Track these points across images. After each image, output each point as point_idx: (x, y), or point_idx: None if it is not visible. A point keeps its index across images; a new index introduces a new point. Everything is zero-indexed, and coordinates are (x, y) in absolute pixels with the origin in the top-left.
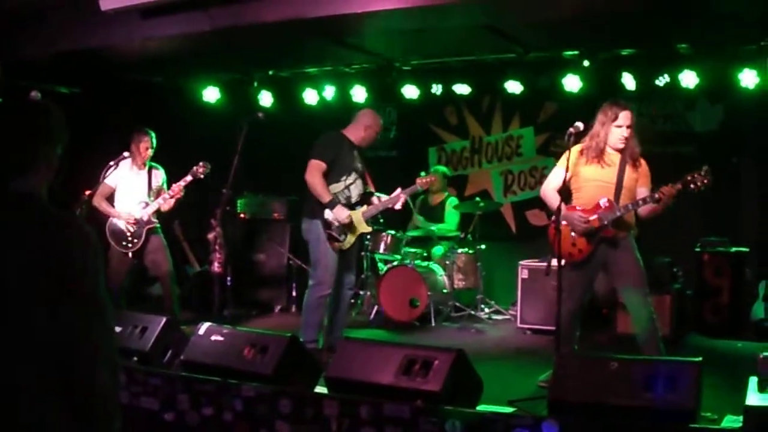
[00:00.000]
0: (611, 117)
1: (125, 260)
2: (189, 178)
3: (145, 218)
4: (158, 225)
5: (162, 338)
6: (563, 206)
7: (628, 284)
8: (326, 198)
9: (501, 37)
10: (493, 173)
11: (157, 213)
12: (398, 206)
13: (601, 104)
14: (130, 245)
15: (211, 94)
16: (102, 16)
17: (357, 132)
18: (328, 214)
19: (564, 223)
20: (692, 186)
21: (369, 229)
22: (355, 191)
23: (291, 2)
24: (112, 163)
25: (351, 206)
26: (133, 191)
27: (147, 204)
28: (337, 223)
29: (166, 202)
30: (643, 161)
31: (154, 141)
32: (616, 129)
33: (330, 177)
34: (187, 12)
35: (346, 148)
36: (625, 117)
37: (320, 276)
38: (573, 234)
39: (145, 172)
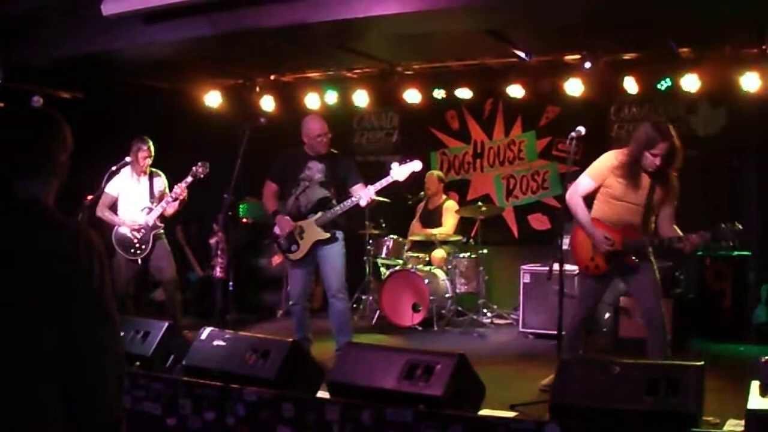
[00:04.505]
0: (646, 143)
1: (133, 266)
2: (190, 178)
3: (151, 223)
4: (163, 231)
5: (164, 343)
6: (591, 218)
7: (644, 296)
8: (269, 211)
9: (503, 41)
10: (495, 177)
11: (162, 218)
12: (363, 203)
13: (640, 125)
14: (138, 252)
15: (213, 99)
16: (104, 21)
17: (305, 141)
18: (275, 228)
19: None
20: (722, 241)
21: (325, 235)
22: (305, 200)
23: (293, 7)
24: (114, 168)
25: (302, 216)
26: (135, 199)
27: (150, 209)
28: (281, 234)
29: (169, 206)
30: (675, 179)
31: (153, 149)
32: (649, 155)
33: (282, 193)
34: (189, 17)
35: (295, 161)
36: (662, 149)
37: (288, 287)
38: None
39: (146, 178)
